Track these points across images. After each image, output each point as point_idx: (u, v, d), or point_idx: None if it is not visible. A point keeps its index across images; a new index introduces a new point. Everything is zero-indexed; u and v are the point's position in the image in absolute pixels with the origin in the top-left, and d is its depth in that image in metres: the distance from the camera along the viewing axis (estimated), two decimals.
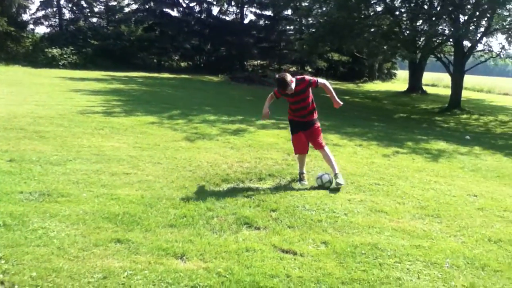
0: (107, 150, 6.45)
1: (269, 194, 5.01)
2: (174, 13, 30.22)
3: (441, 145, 9.31)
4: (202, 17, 30.97)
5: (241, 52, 28.83)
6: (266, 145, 7.73)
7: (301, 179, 5.64)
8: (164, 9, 29.49)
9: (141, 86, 17.16)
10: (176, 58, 30.37)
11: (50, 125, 7.87)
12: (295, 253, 3.55)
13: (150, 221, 3.97)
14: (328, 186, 5.38)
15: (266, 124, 9.99)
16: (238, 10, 30.97)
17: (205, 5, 30.99)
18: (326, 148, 5.75)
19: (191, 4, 30.87)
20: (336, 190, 5.33)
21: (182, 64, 30.43)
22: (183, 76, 24.70)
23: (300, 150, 5.74)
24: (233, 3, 30.74)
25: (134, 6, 30.37)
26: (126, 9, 30.41)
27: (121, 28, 26.71)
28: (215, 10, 31.63)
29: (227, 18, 31.45)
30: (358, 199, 5.07)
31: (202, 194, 4.87)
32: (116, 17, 29.52)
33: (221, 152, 6.90)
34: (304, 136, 5.67)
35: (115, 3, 30.07)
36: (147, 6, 29.67)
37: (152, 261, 3.25)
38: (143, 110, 10.59)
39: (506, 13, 16.19)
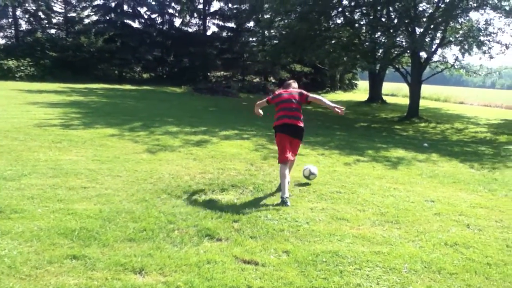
0: (65, 164, 6.26)
1: (231, 204, 4.98)
2: (136, 24, 29.96)
3: (400, 152, 9.54)
4: (164, 29, 30.79)
5: (204, 63, 28.80)
6: (229, 155, 7.71)
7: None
8: (125, 21, 29.17)
9: (102, 98, 16.83)
10: (138, 69, 30.00)
11: (5, 139, 7.58)
12: (256, 264, 3.53)
13: (108, 236, 3.86)
14: (312, 178, 6.16)
15: (229, 135, 9.99)
16: (200, 22, 31.00)
17: (167, 16, 30.86)
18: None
19: (153, 16, 30.68)
20: (299, 198, 5.36)
21: (144, 75, 30.10)
22: (145, 87, 24.42)
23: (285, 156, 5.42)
24: (195, 15, 30.76)
25: (94, 18, 29.89)
26: (86, 21, 29.86)
27: (80, 40, 26.14)
28: (177, 22, 31.52)
29: (190, 30, 31.43)
30: (320, 207, 5.11)
31: (163, 206, 4.79)
32: (76, 28, 28.91)
33: (184, 164, 6.83)
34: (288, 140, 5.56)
35: (74, 14, 29.46)
36: (107, 18, 29.26)
37: (109, 277, 3.16)
38: (103, 122, 10.38)
39: (458, 26, 16.87)
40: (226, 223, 4.39)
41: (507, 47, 17.16)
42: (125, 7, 29.27)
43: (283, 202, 5.11)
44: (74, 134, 8.60)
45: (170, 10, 30.89)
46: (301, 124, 5.69)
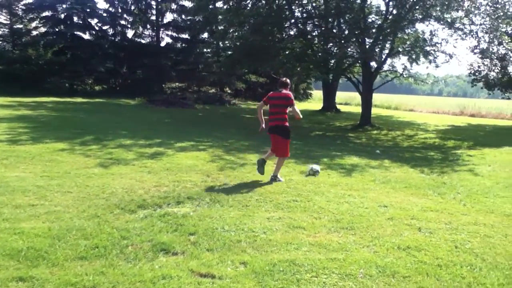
0: (11, 181, 5.99)
1: (187, 217, 4.91)
2: (86, 36, 29.20)
3: (354, 160, 9.76)
4: (116, 40, 30.21)
5: (159, 75, 28.45)
6: (185, 167, 7.62)
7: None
8: (75, 32, 28.39)
9: (51, 112, 16.25)
10: (90, 81, 29.21)
11: None
12: (213, 276, 3.48)
13: (57, 255, 3.70)
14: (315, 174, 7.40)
15: (185, 146, 9.89)
16: (154, 33, 30.65)
17: (119, 28, 30.30)
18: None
19: (104, 27, 30.03)
20: (256, 208, 5.36)
21: (97, 87, 29.34)
22: (97, 100, 23.80)
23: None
24: (148, 26, 30.40)
25: (43, 29, 28.90)
26: (34, 32, 28.84)
27: (28, 52, 25.18)
28: (130, 33, 31.01)
29: (143, 41, 30.95)
30: (277, 216, 5.12)
31: (116, 222, 4.65)
32: (23, 40, 27.86)
33: (138, 177, 6.68)
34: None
35: (20, 26, 28.39)
36: (56, 29, 28.39)
37: None
38: (52, 136, 10.01)
39: (405, 37, 17.57)
40: (182, 236, 4.32)
41: (451, 57, 18.01)
42: (75, 19, 28.50)
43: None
44: (21, 149, 8.24)
45: (122, 22, 30.39)
46: (285, 124, 7.28)
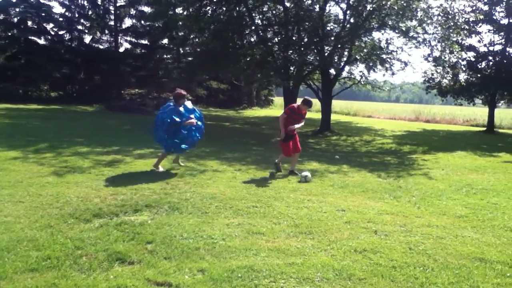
0: None
1: (145, 226, 4.82)
2: (42, 41, 28.26)
3: (314, 165, 9.88)
4: (73, 46, 29.41)
5: (118, 81, 27.89)
6: (144, 175, 7.49)
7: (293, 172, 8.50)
8: (30, 37, 27.44)
9: (4, 119, 15.61)
10: (45, 87, 28.27)
11: None
12: (170, 285, 3.43)
13: (6, 268, 3.55)
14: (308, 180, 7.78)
15: (144, 153, 9.73)
16: (112, 39, 30.05)
17: (76, 33, 29.51)
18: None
19: (60, 32, 29.18)
20: (215, 215, 5.33)
21: (52, 94, 28.40)
22: (53, 106, 23.05)
23: (290, 152, 8.53)
24: (106, 31, 29.78)
25: None
26: None
27: None
28: (87, 39, 30.25)
29: (101, 47, 30.26)
30: (236, 222, 5.11)
31: (70, 232, 4.52)
32: None
33: (94, 186, 6.51)
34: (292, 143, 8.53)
35: None
36: (9, 34, 27.36)
37: None
38: (4, 144, 9.61)
39: (363, 45, 18.01)
40: (139, 245, 4.23)
41: (406, 64, 18.60)
42: (29, 23, 27.56)
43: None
44: None
45: (79, 27, 29.61)
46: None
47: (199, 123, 8.21)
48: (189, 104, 8.17)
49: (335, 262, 4.02)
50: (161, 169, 8.04)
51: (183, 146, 7.97)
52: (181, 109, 7.90)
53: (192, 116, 8.06)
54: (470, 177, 9.16)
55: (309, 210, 5.84)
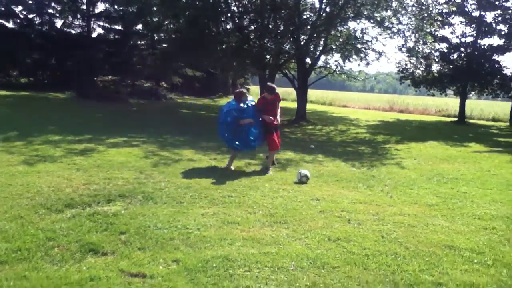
0: None
1: (118, 216, 4.76)
2: (10, 24, 27.28)
3: (289, 154, 9.93)
4: (44, 30, 28.51)
5: (90, 68, 27.20)
6: (117, 164, 7.38)
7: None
8: None
9: None
10: (15, 73, 27.39)
11: None
12: (144, 276, 3.40)
13: None
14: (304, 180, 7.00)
15: (117, 142, 9.59)
16: (84, 24, 29.23)
17: (46, 17, 28.58)
18: None
19: (30, 16, 28.20)
20: (190, 204, 5.30)
21: (22, 80, 27.51)
22: (23, 93, 22.37)
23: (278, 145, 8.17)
24: (78, 16, 28.96)
25: None
26: None
27: None
28: (58, 23, 29.35)
29: (73, 32, 29.41)
30: (211, 212, 5.11)
31: (41, 223, 4.43)
32: None
33: (66, 175, 6.38)
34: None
35: None
36: None
37: None
38: None
39: (338, 34, 18.10)
40: (112, 235, 4.18)
41: (380, 54, 18.81)
42: None
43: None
44: None
45: (50, 10, 28.66)
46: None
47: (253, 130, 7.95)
48: (250, 99, 8.19)
49: (309, 251, 4.06)
50: (232, 168, 7.94)
51: (236, 143, 7.83)
52: (243, 105, 7.88)
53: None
54: (441, 167, 9.37)
55: (284, 199, 5.88)
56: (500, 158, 11.35)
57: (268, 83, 8.32)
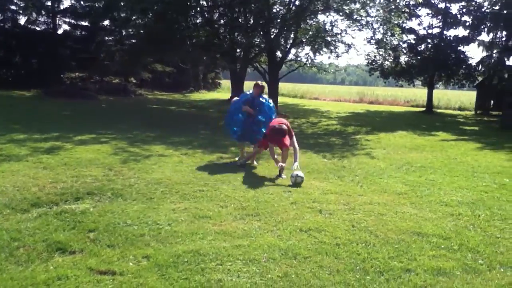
0: None
1: (86, 214, 4.66)
2: None
3: None
4: (6, 27, 27.63)
5: (57, 64, 26.56)
6: (85, 161, 7.22)
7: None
8: None
9: None
10: None
11: None
12: (114, 273, 3.34)
13: None
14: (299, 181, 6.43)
15: (85, 139, 9.39)
16: (49, 20, 28.47)
17: (9, 13, 27.70)
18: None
19: None
20: (161, 200, 5.24)
21: None
22: None
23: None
24: (43, 12, 28.16)
25: None
26: None
27: None
28: (22, 20, 28.49)
29: (38, 28, 28.62)
30: (183, 207, 5.06)
31: (5, 223, 4.29)
32: None
33: (31, 174, 6.20)
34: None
35: None
36: None
37: None
38: None
39: (308, 27, 18.20)
40: (80, 234, 4.09)
41: (349, 47, 19.04)
42: None
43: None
44: None
45: (13, 7, 27.81)
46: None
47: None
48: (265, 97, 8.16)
49: (281, 242, 4.08)
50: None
51: (234, 128, 7.94)
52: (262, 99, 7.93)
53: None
54: (409, 156, 9.56)
55: (256, 192, 5.87)
56: (466, 146, 11.67)
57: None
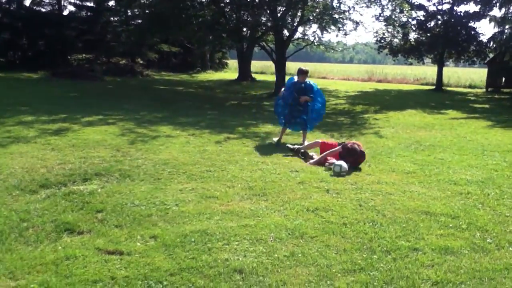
0: None
1: (94, 194, 4.69)
2: None
3: (269, 127, 9.89)
4: (12, 9, 27.54)
5: (63, 46, 26.51)
6: (93, 142, 7.24)
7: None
8: None
9: None
10: None
11: None
12: (121, 253, 3.36)
13: None
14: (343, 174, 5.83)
15: (92, 121, 9.43)
16: (55, 1, 28.32)
17: None
18: None
19: None
20: (168, 181, 5.25)
21: None
22: None
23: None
24: None
25: None
26: None
27: None
28: (27, 1, 28.37)
29: (43, 10, 28.51)
30: (190, 187, 5.06)
31: (14, 204, 4.33)
32: None
33: (40, 155, 6.23)
34: None
35: None
36: None
37: None
38: None
39: (315, 5, 17.89)
40: (88, 214, 4.12)
41: (358, 24, 18.72)
42: None
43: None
44: None
45: None
46: None
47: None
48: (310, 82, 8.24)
49: (288, 222, 4.07)
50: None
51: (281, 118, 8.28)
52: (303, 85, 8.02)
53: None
54: (418, 134, 9.48)
55: (263, 172, 5.86)
56: (476, 124, 11.54)
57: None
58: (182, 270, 3.12)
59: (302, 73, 8.00)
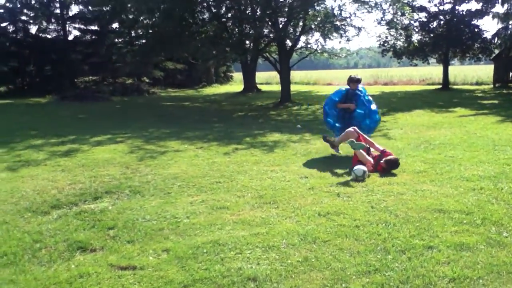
0: None
1: (105, 212, 4.70)
2: None
3: (276, 136, 9.89)
4: (18, 37, 28.06)
5: (70, 70, 26.92)
6: (102, 161, 7.28)
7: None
8: None
9: None
10: None
11: None
12: (134, 268, 3.36)
13: None
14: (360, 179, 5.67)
15: (101, 140, 9.49)
16: (59, 27, 28.78)
17: (20, 24, 28.12)
18: None
19: (3, 24, 27.74)
20: (178, 194, 5.25)
21: (1, 88, 27.19)
22: (3, 101, 22.08)
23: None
24: (53, 20, 28.47)
25: None
26: None
27: None
28: (33, 29, 28.88)
29: (49, 36, 28.99)
30: (200, 199, 5.06)
31: (27, 226, 4.35)
32: None
33: (50, 177, 6.28)
34: None
35: None
36: None
37: None
38: None
39: (316, 13, 17.96)
40: (100, 232, 4.13)
41: (360, 30, 18.74)
42: None
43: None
44: None
45: (23, 17, 28.24)
46: None
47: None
48: (360, 88, 8.09)
49: (299, 227, 4.04)
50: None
51: (337, 124, 7.94)
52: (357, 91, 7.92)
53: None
54: (427, 134, 9.40)
55: (273, 180, 5.84)
56: (485, 120, 11.44)
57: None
58: (195, 282, 3.11)
59: (352, 81, 7.90)
